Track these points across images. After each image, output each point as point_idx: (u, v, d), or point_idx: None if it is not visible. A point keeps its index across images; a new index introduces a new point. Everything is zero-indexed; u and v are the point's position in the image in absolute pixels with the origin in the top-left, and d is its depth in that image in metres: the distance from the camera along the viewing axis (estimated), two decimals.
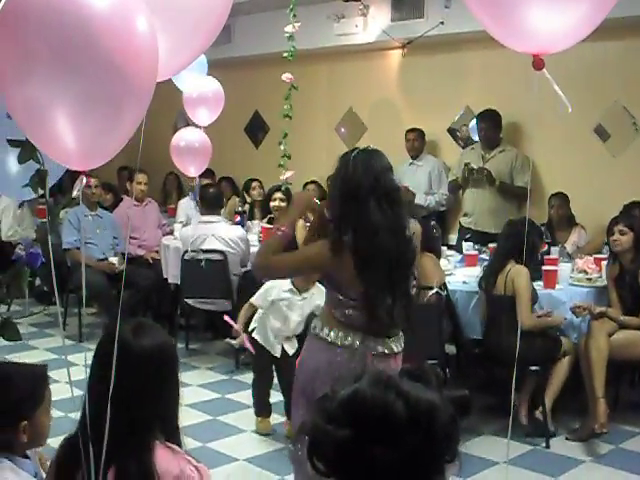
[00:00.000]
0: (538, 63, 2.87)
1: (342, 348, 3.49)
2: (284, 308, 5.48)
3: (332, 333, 3.51)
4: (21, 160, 2.36)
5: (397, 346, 3.61)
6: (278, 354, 5.51)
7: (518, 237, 5.22)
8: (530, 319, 5.39)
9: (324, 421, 1.38)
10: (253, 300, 5.61)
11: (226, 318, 5.61)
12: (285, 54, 6.39)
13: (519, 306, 5.41)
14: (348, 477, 1.37)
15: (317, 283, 5.24)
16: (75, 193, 2.37)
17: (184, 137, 6.70)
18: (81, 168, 2.29)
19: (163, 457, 2.32)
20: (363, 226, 3.42)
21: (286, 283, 5.47)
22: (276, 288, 5.50)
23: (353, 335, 3.50)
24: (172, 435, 2.41)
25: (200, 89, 6.63)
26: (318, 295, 5.16)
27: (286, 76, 6.42)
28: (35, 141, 2.24)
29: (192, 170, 7.00)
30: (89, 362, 6.39)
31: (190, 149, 6.73)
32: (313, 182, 8.80)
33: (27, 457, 2.77)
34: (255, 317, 5.63)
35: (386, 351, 3.55)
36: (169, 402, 2.42)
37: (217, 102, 6.80)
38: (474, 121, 8.34)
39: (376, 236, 3.40)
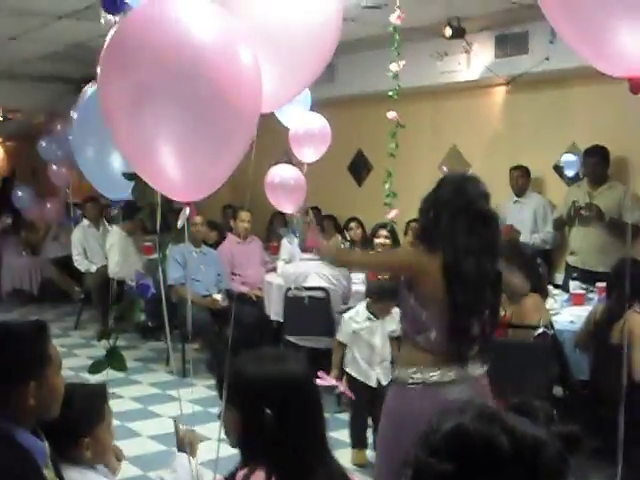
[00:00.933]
0: (634, 87, 2.74)
1: (427, 385, 3.45)
2: (366, 336, 5.75)
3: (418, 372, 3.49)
4: (135, 196, 2.40)
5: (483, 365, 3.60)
6: (374, 383, 5.70)
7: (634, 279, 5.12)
8: None
9: (427, 454, 1.35)
10: (338, 337, 5.86)
11: (321, 377, 5.62)
12: (390, 92, 6.38)
13: (635, 358, 5.22)
14: None
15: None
16: (180, 223, 2.39)
17: (279, 173, 6.74)
18: (186, 199, 2.31)
19: None
20: (451, 245, 3.44)
21: (362, 312, 5.78)
22: (353, 320, 5.82)
23: (441, 366, 3.46)
24: (326, 465, 2.31)
25: (306, 125, 6.66)
26: (391, 321, 5.60)
27: (391, 114, 6.40)
28: (141, 172, 2.27)
29: (286, 206, 7.02)
30: (192, 397, 6.42)
31: (284, 186, 6.76)
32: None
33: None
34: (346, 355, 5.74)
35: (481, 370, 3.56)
36: (321, 428, 2.34)
37: (323, 139, 6.82)
38: (574, 157, 8.16)
39: (463, 257, 3.42)
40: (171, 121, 2.14)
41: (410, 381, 3.49)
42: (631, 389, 5.10)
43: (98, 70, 2.19)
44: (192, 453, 2.95)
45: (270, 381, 2.29)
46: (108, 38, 2.16)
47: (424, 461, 1.35)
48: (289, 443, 2.22)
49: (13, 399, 2.35)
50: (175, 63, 2.11)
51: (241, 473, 2.21)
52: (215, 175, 2.32)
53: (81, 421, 2.69)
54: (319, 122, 6.77)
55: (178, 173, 2.21)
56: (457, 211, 3.47)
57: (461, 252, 3.42)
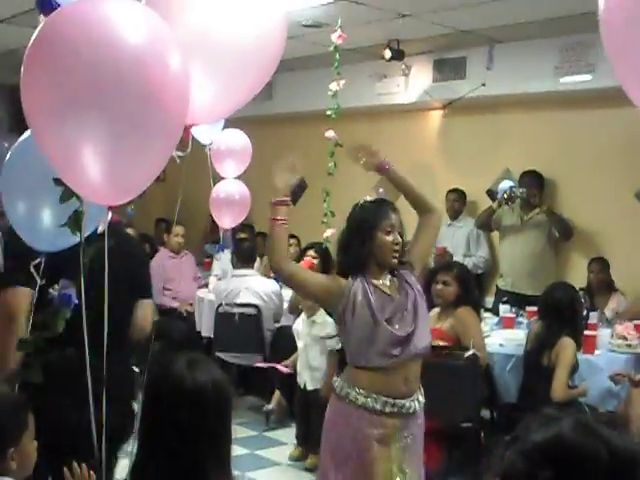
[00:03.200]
0: None
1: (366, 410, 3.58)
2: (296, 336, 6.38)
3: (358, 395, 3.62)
4: (63, 199, 2.34)
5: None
6: (301, 385, 6.19)
7: (565, 306, 5.49)
8: (564, 392, 5.31)
9: (523, 461, 1.35)
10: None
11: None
12: (329, 112, 6.37)
13: (556, 378, 5.32)
14: None
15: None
16: (101, 229, 2.34)
17: (224, 189, 6.70)
18: (108, 204, 2.27)
19: None
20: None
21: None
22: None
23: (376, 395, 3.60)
24: (226, 475, 2.31)
25: (228, 142, 6.64)
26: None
27: (329, 133, 6.40)
28: (64, 176, 2.22)
29: (227, 221, 6.98)
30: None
31: (229, 201, 6.72)
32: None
33: None
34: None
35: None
36: (224, 439, 2.32)
37: (244, 155, 6.80)
38: (506, 182, 8.24)
39: None
40: (93, 124, 2.09)
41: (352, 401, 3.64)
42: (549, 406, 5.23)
43: (22, 69, 2.14)
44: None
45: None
46: (33, 36, 2.11)
47: (521, 469, 1.34)
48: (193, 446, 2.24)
49: None
50: (98, 64, 2.06)
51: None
52: (137, 180, 2.28)
53: (7, 431, 2.63)
54: (240, 139, 6.75)
55: (100, 177, 2.16)
56: (365, 234, 3.70)
57: None
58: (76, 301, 2.40)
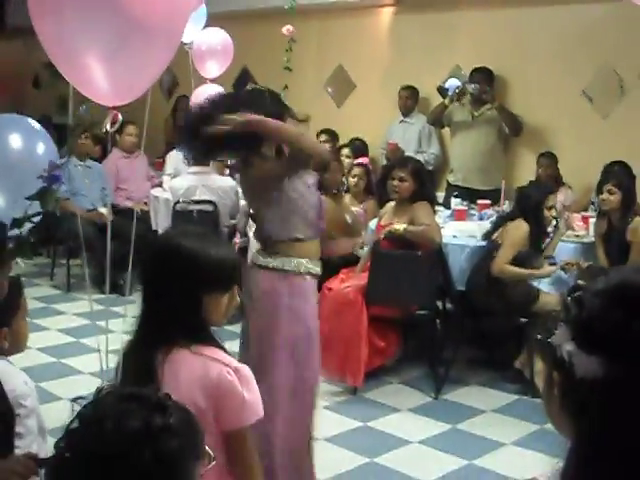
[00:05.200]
0: None
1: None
2: None
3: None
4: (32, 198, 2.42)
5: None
6: None
7: (528, 199, 5.62)
8: (501, 266, 5.52)
9: (589, 307, 1.34)
10: None
11: None
12: (286, 6, 6.36)
13: (498, 254, 5.55)
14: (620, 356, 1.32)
15: None
16: (108, 128, 2.40)
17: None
18: (111, 104, 2.31)
19: (193, 363, 2.28)
20: None
21: None
22: None
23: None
24: (203, 339, 2.35)
25: (209, 41, 6.59)
26: None
27: (287, 28, 6.39)
28: (68, 77, 2.25)
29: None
30: (78, 311, 6.45)
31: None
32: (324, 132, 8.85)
33: None
34: None
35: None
36: (197, 303, 2.35)
37: (226, 54, 6.77)
38: (454, 80, 8.31)
39: None
40: (99, 27, 2.11)
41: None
42: (488, 283, 5.51)
43: None
44: None
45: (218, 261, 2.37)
46: None
47: (590, 312, 1.33)
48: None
49: None
50: None
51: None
52: (140, 81, 2.32)
53: (2, 312, 2.72)
54: (221, 37, 6.71)
55: (104, 79, 2.20)
56: None
57: None
58: (64, 180, 2.46)
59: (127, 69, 2.20)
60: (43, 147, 3.28)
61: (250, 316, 3.82)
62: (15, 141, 3.23)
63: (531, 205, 5.60)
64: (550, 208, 5.60)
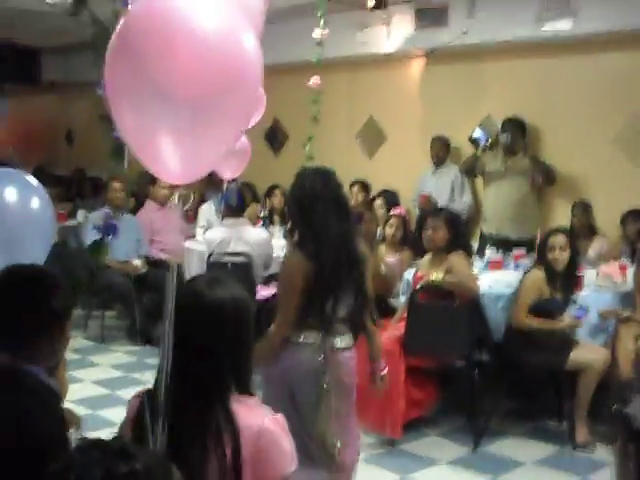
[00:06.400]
0: None
1: (305, 345, 3.72)
2: None
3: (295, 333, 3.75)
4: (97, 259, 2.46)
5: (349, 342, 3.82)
6: None
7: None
8: (518, 318, 5.59)
9: None
10: None
11: None
12: (313, 59, 6.41)
13: (514, 306, 5.66)
14: None
15: None
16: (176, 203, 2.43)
17: None
18: (176, 182, 2.34)
19: (241, 412, 2.26)
20: (324, 235, 3.67)
21: None
22: None
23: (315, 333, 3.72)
24: (246, 389, 2.34)
25: None
26: None
27: (313, 81, 6.43)
28: (142, 158, 2.29)
29: (228, 172, 6.98)
30: (113, 362, 6.43)
31: (230, 152, 6.76)
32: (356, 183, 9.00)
33: None
34: None
35: (344, 345, 3.78)
36: (244, 354, 2.36)
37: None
38: (482, 130, 8.35)
39: (336, 241, 3.67)
40: (176, 113, 2.14)
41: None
42: (523, 334, 5.49)
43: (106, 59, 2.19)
44: None
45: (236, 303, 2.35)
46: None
47: None
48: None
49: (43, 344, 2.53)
50: (181, 53, 2.10)
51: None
52: (209, 161, 2.36)
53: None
54: None
55: (177, 162, 2.23)
56: (327, 202, 3.71)
57: (333, 242, 3.67)
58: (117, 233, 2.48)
59: (196, 152, 2.24)
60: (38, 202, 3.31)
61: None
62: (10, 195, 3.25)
63: (539, 250, 5.73)
64: (552, 249, 5.59)
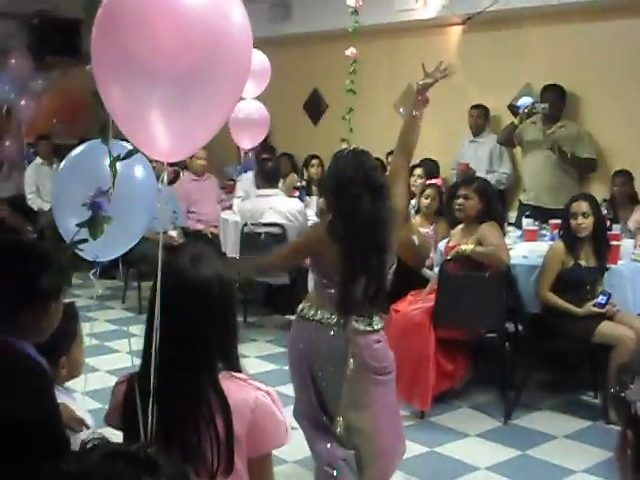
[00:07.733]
0: None
1: (327, 326, 3.72)
2: None
3: (318, 313, 3.76)
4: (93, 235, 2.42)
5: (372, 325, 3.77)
6: None
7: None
8: (542, 293, 5.54)
9: None
10: None
11: None
12: (349, 29, 6.32)
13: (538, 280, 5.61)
14: None
15: None
16: (161, 185, 2.41)
17: (243, 109, 6.69)
18: (170, 160, 2.32)
19: (232, 388, 2.24)
20: (355, 217, 3.63)
21: None
22: None
23: (337, 314, 3.71)
24: (235, 365, 2.33)
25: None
26: None
27: (350, 51, 6.35)
28: (130, 137, 2.27)
29: (246, 142, 6.95)
30: None
31: (248, 121, 6.71)
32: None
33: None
34: None
35: (366, 328, 3.74)
36: (230, 331, 2.33)
37: (264, 75, 6.77)
38: (526, 98, 8.17)
39: (365, 226, 3.62)
40: (161, 89, 2.11)
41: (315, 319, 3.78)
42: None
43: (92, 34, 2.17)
44: None
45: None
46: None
47: None
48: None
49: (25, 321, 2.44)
50: (156, 34, 2.07)
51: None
52: (199, 138, 2.33)
53: (60, 340, 2.72)
54: (259, 58, 6.71)
55: (166, 139, 2.21)
56: (358, 187, 3.64)
57: (363, 223, 3.62)
58: (107, 209, 2.43)
59: (186, 127, 2.21)
60: None
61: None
62: None
63: (562, 218, 5.70)
64: (575, 216, 5.48)
